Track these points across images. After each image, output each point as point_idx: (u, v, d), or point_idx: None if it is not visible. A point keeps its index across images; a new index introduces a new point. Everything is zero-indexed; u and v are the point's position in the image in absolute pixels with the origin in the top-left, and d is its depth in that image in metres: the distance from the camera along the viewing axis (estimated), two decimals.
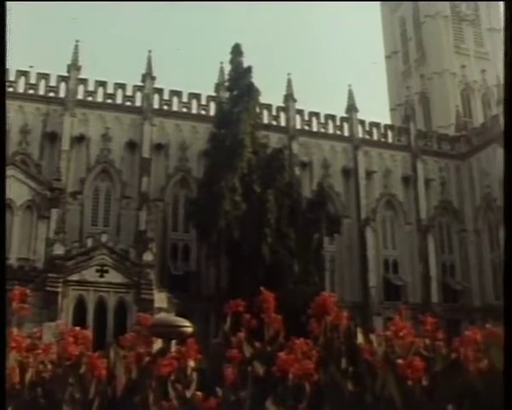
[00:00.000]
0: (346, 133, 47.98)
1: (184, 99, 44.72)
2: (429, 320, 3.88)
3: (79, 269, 31.64)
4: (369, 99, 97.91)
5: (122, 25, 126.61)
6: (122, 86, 43.47)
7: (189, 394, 3.92)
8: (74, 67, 42.29)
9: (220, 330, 4.56)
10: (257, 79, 41.39)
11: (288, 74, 47.67)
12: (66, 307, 30.60)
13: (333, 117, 48.15)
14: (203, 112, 44.84)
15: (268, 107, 46.03)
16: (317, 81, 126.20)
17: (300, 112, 47.26)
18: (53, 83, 42.13)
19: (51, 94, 41.85)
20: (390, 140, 49.39)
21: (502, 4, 61.70)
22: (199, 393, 3.82)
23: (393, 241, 47.09)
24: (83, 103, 42.06)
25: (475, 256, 47.23)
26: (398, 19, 65.77)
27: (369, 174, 46.85)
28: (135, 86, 43.76)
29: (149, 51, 44.48)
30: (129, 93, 43.59)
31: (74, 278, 31.37)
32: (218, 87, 44.46)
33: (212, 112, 44.02)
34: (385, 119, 56.77)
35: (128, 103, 43.36)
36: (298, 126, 46.59)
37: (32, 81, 41.49)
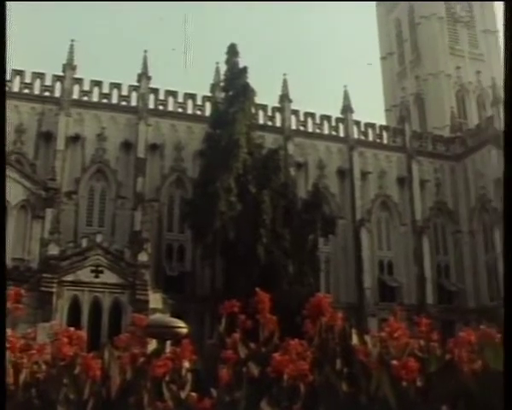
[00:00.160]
0: (342, 134, 48.05)
1: (180, 99, 44.70)
2: (424, 321, 3.89)
3: (74, 269, 31.57)
4: (364, 100, 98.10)
5: (118, 25, 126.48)
6: (117, 86, 43.42)
7: (183, 395, 3.91)
8: (70, 66, 42.23)
9: (215, 331, 4.55)
10: (252, 80, 41.48)
11: (284, 75, 47.75)
12: (60, 308, 30.52)
13: (328, 118, 48.20)
14: (198, 112, 44.82)
15: (263, 107, 46.04)
16: (312, 82, 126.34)
17: (296, 112, 47.30)
18: (48, 82, 42.05)
19: (46, 93, 41.77)
20: (385, 141, 49.48)
21: (496, 6, 62.09)
22: (193, 394, 3.82)
23: (388, 242, 47.15)
24: (78, 103, 42.00)
25: (470, 257, 47.33)
26: (393, 20, 65.95)
27: (364, 175, 46.91)
28: (130, 86, 43.72)
29: (145, 51, 44.50)
30: (124, 93, 43.56)
31: (69, 278, 31.30)
32: (213, 87, 44.48)
33: (207, 112, 44.01)
34: (380, 119, 56.94)
35: (123, 103, 43.33)
36: (293, 127, 46.62)
37: (28, 80, 41.40)
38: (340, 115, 48.51)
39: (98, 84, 42.99)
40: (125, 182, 41.25)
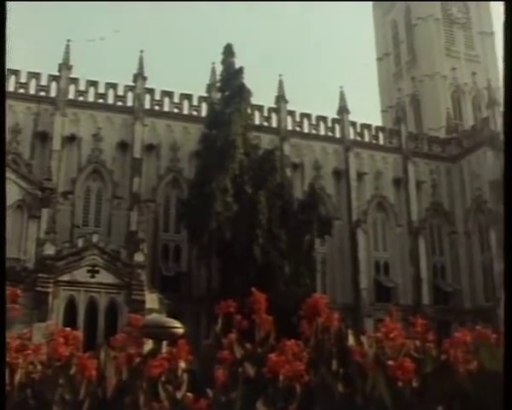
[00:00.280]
0: (338, 135, 48.10)
1: (176, 99, 44.68)
2: (420, 322, 3.89)
3: (70, 269, 31.54)
4: (360, 101, 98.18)
5: (114, 24, 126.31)
6: (113, 86, 43.39)
7: (179, 395, 3.91)
8: (65, 66, 42.16)
9: (211, 331, 4.55)
10: (248, 80, 41.48)
11: (280, 76, 47.75)
12: (56, 308, 30.48)
13: (324, 118, 48.25)
14: (195, 113, 44.82)
15: (259, 108, 46.05)
16: (308, 83, 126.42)
17: (292, 113, 47.32)
18: (44, 82, 41.97)
19: (42, 93, 41.70)
20: (381, 142, 49.54)
21: (492, 8, 62.23)
22: (189, 394, 3.82)
23: (384, 243, 47.21)
24: (74, 103, 41.94)
25: (466, 258, 47.42)
26: (389, 21, 66.07)
27: (360, 176, 46.95)
28: (126, 86, 43.68)
29: (141, 51, 44.46)
30: (120, 93, 43.52)
31: (65, 278, 31.26)
32: (209, 88, 44.47)
33: (203, 113, 44.02)
34: (376, 120, 57.01)
35: (119, 103, 43.29)
36: (289, 128, 46.65)
37: (23, 80, 41.30)
38: (336, 116, 48.57)
39: (94, 84, 42.95)
40: (121, 182, 41.21)
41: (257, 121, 45.58)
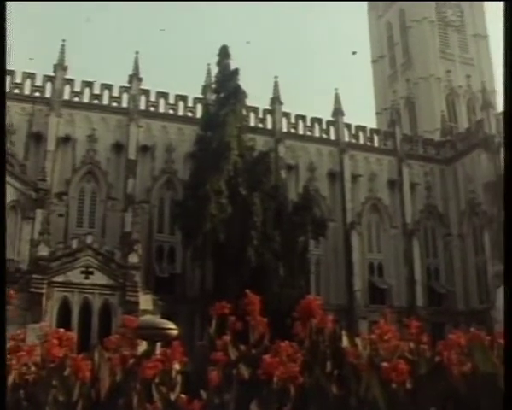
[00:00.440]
0: (333, 137, 48.10)
1: (171, 101, 44.62)
2: (414, 324, 3.90)
3: (64, 270, 31.43)
4: (355, 103, 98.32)
5: (109, 25, 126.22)
6: (108, 87, 43.27)
7: (173, 396, 3.91)
8: (60, 66, 42.02)
9: (205, 333, 4.55)
10: (244, 82, 41.49)
11: (275, 77, 47.78)
12: (50, 309, 30.37)
13: (319, 120, 48.27)
14: (190, 114, 44.76)
15: (255, 109, 46.05)
16: (303, 85, 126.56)
17: (287, 115, 47.33)
18: (39, 83, 41.84)
19: (37, 94, 41.57)
20: (376, 144, 49.57)
21: (487, 11, 62.48)
22: (183, 396, 3.82)
23: (379, 244, 47.26)
24: (69, 104, 41.81)
25: (460, 260, 47.52)
26: (384, 24, 66.22)
27: (354, 178, 47.00)
28: (121, 87, 43.58)
29: (136, 52, 44.39)
30: (115, 94, 43.41)
31: (59, 279, 31.15)
32: (204, 89, 44.42)
33: (198, 114, 43.96)
34: (371, 123, 57.09)
35: (114, 104, 43.17)
36: (284, 129, 46.64)
37: (18, 80, 41.16)
38: (331, 118, 48.60)
39: (89, 84, 42.83)
40: (116, 183, 41.13)
41: (252, 123, 45.56)
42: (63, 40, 42.88)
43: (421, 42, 60.36)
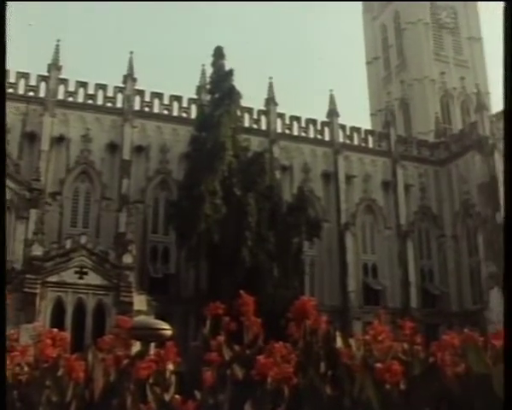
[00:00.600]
0: (327, 138, 48.15)
1: (165, 101, 44.58)
2: (408, 325, 3.90)
3: (58, 270, 31.36)
4: (349, 104, 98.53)
5: (104, 25, 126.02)
6: (103, 87, 43.19)
7: (167, 397, 3.90)
8: (55, 66, 41.92)
9: (199, 333, 4.54)
10: (238, 83, 41.48)
11: (270, 78, 47.81)
12: (44, 309, 30.30)
13: (314, 121, 48.31)
14: (184, 114, 44.72)
15: (249, 110, 46.05)
16: (298, 85, 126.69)
17: (281, 116, 47.35)
18: (33, 82, 41.73)
19: (31, 93, 41.46)
20: (370, 145, 49.65)
21: (481, 14, 62.74)
22: (177, 396, 3.81)
23: (373, 245, 47.33)
24: (63, 104, 41.72)
25: (453, 261, 47.63)
26: (379, 25, 66.36)
27: (349, 179, 47.05)
28: (116, 87, 43.51)
29: (131, 52, 44.33)
30: (110, 94, 43.33)
31: (53, 279, 31.08)
32: (199, 90, 44.39)
33: (193, 114, 43.92)
34: (365, 124, 57.19)
35: (109, 104, 43.10)
36: (279, 130, 46.65)
37: (12, 80, 41.01)
38: (325, 119, 48.65)
39: (83, 84, 42.73)
40: (110, 183, 41.06)
41: (246, 123, 45.54)
42: (57, 40, 42.84)
43: (415, 44, 60.51)
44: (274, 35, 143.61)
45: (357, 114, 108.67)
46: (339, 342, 3.80)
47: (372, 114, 63.94)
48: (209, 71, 42.57)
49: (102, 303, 31.58)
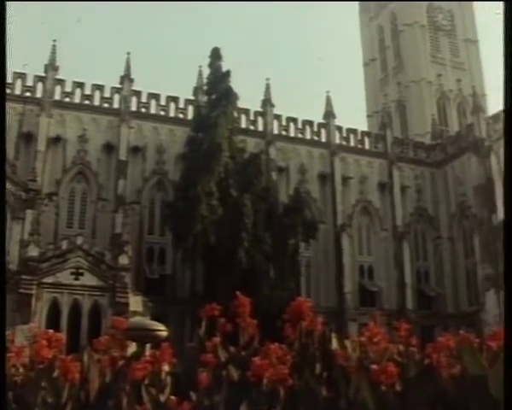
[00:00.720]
0: (324, 139, 48.20)
1: (162, 102, 44.56)
2: (403, 326, 3.90)
3: (54, 271, 31.29)
4: (346, 105, 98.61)
5: (101, 25, 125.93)
6: (100, 88, 43.16)
7: (163, 398, 3.90)
8: (52, 67, 41.87)
9: (195, 334, 4.54)
10: (235, 84, 41.49)
11: (267, 79, 47.81)
12: (39, 310, 30.23)
13: (310, 123, 48.35)
14: (181, 115, 44.70)
15: (246, 111, 46.06)
16: (295, 87, 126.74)
17: (278, 117, 47.38)
18: (30, 83, 41.66)
19: (28, 94, 41.40)
20: (367, 147, 49.71)
21: (477, 16, 62.91)
22: (173, 397, 3.81)
23: (369, 247, 47.36)
24: (60, 104, 41.67)
25: (450, 263, 47.69)
26: (376, 27, 66.46)
27: (345, 180, 47.09)
28: (113, 88, 43.47)
29: (128, 53, 44.30)
30: (107, 95, 43.31)
31: (49, 280, 31.01)
32: (196, 91, 44.41)
33: (189, 115, 43.92)
34: (362, 125, 57.23)
35: (105, 105, 43.07)
36: (275, 131, 46.67)
37: (9, 80, 40.90)
38: (322, 121, 48.69)
39: (80, 85, 42.69)
40: (107, 184, 41.01)
41: (243, 125, 45.55)
42: (54, 40, 42.79)
43: (412, 46, 60.63)
44: (272, 36, 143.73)
45: (354, 115, 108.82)
46: (334, 344, 3.80)
47: (369, 116, 64.03)
48: (206, 72, 42.63)
49: (98, 304, 31.52)
